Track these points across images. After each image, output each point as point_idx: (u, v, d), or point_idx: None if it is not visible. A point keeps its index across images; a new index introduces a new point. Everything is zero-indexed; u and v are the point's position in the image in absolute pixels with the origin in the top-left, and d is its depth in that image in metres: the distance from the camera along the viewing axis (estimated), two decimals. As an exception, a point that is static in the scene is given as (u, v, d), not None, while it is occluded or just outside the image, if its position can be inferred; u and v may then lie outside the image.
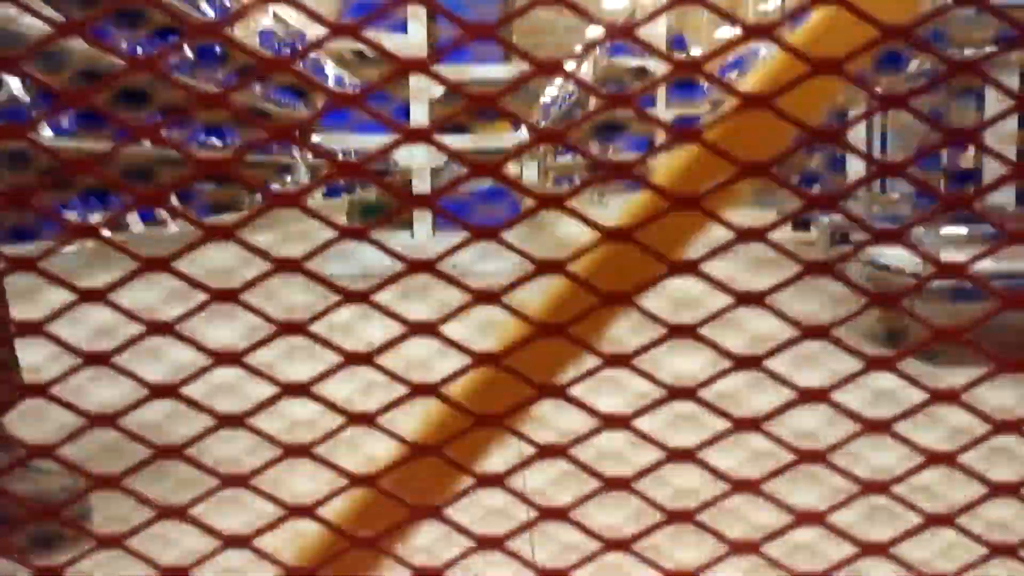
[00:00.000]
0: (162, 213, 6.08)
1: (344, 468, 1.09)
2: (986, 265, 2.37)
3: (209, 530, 1.15)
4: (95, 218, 5.06)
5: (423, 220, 4.76)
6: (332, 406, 1.10)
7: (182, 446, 1.14)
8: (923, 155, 1.06)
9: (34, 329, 1.08)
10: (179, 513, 1.13)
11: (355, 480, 1.08)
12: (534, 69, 1.01)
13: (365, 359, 1.10)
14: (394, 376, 1.12)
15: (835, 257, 0.99)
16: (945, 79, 1.01)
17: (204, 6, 7.46)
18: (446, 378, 1.11)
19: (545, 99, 22.99)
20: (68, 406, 1.07)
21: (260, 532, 1.11)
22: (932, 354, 2.28)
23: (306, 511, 1.10)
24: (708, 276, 1.03)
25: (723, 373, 1.05)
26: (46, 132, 4.67)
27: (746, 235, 1.01)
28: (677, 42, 10.19)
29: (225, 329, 1.23)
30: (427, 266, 1.04)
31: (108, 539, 1.15)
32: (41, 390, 1.10)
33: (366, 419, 1.09)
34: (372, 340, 1.12)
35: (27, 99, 4.46)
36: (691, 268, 1.02)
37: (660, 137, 8.63)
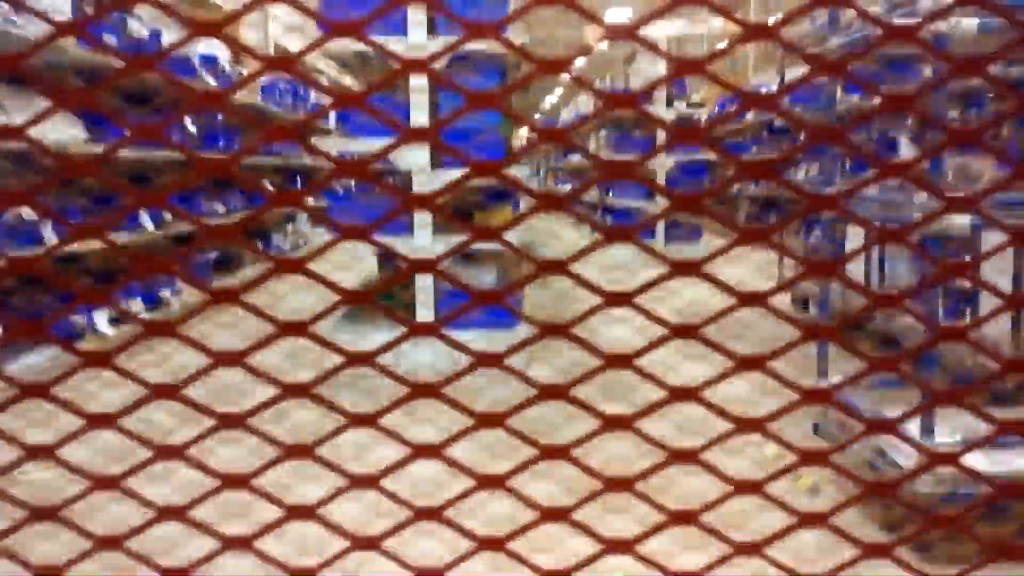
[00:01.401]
0: (165, 293, 6.06)
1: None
2: (978, 460, 2.42)
3: (211, 534, 1.13)
4: (100, 318, 5.05)
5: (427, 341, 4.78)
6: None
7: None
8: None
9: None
10: (178, 513, 1.11)
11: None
12: (536, 68, 1.02)
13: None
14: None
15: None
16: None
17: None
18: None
19: (545, 106, 22.99)
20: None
21: (260, 533, 1.11)
22: (927, 547, 2.30)
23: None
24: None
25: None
26: (50, 236, 4.72)
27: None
28: (676, 84, 10.45)
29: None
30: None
31: (108, 540, 1.13)
32: (43, 390, 1.09)
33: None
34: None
35: (34, 217, 4.54)
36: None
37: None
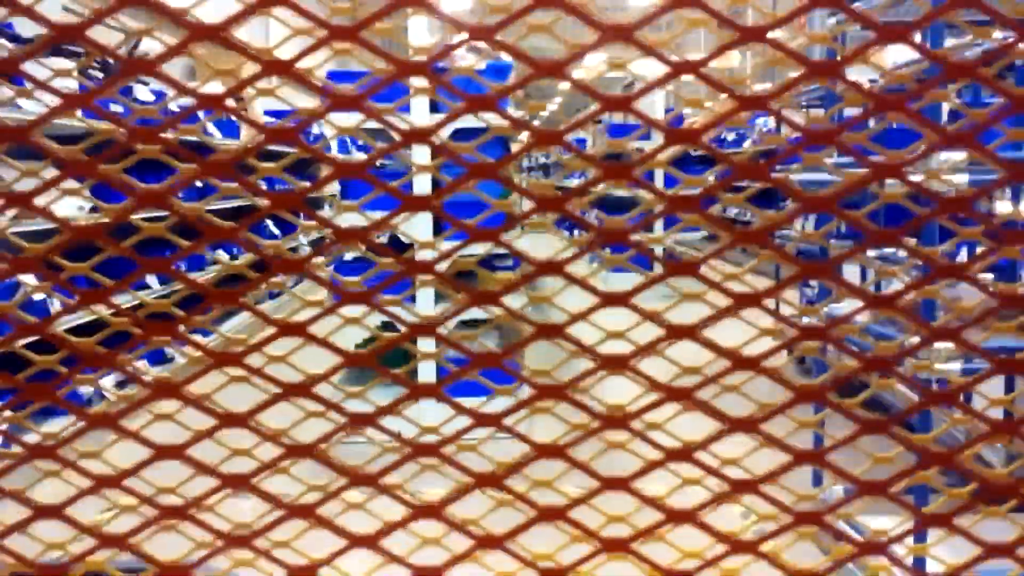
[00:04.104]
0: (169, 349, 6.03)
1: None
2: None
3: (212, 531, 1.13)
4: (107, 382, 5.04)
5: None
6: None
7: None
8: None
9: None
10: (180, 513, 1.11)
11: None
12: (535, 71, 1.02)
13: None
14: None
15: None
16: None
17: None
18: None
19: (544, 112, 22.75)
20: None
21: (262, 531, 1.10)
22: None
23: None
24: None
25: None
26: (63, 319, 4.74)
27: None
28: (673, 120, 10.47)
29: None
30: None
31: (111, 538, 1.13)
32: (50, 392, 1.09)
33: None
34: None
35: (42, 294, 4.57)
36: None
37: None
